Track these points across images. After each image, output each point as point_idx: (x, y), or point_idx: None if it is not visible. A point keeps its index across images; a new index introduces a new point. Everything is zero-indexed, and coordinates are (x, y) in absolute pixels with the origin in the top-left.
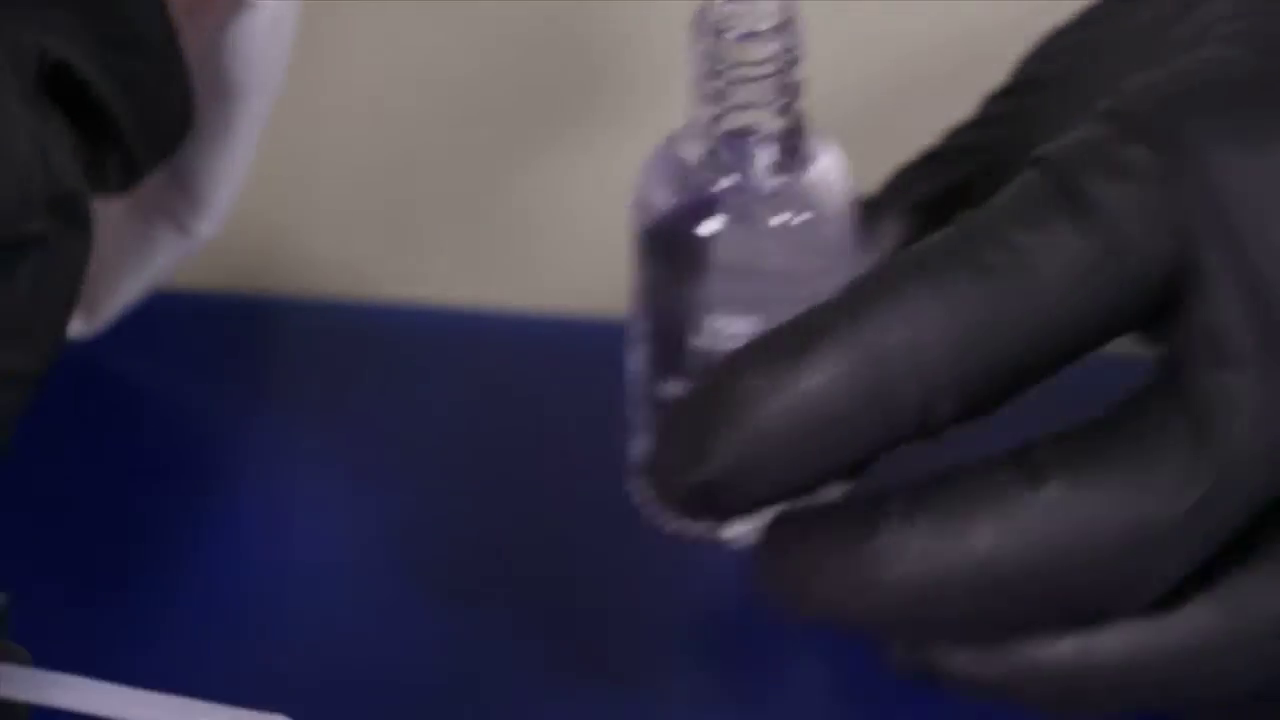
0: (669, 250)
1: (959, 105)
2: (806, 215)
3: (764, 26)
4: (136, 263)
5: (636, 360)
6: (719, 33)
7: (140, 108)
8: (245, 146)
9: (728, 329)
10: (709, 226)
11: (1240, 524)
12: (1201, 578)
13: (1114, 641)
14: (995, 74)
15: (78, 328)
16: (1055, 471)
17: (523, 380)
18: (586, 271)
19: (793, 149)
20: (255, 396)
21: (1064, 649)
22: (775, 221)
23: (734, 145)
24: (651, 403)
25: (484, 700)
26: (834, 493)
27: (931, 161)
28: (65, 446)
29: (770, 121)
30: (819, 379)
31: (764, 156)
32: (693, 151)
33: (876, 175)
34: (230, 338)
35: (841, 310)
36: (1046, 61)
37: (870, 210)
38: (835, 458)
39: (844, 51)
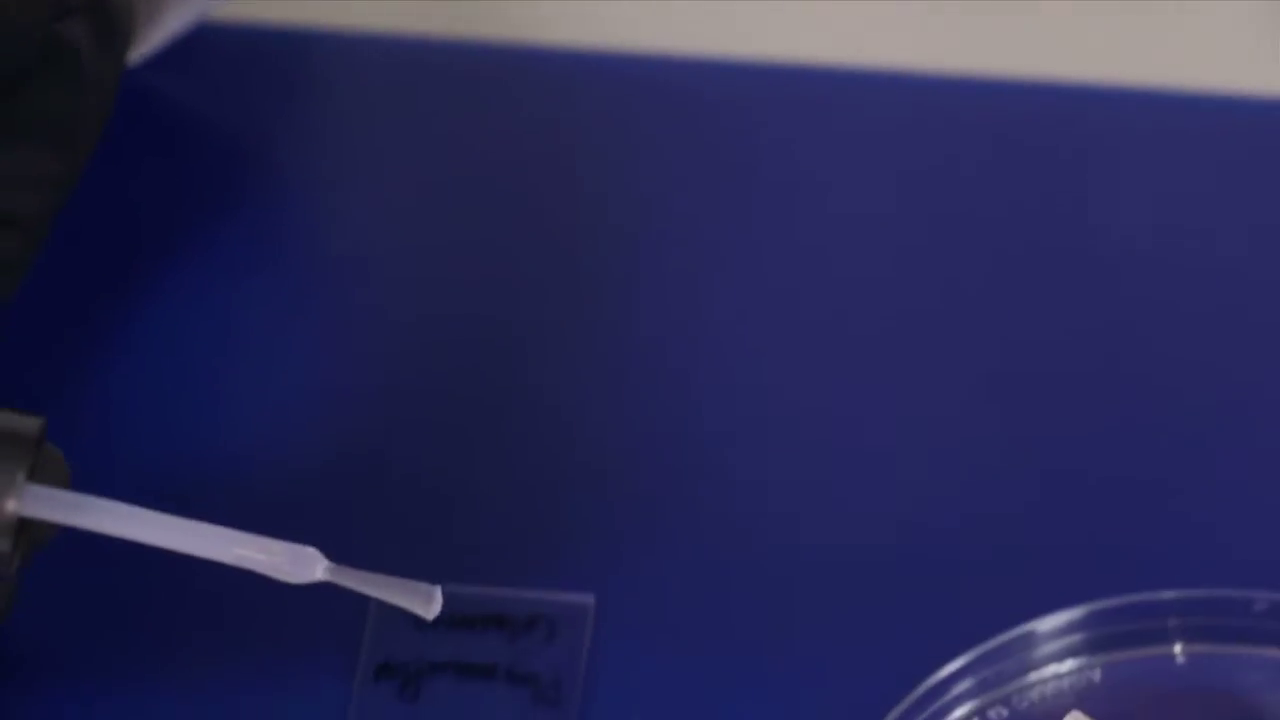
0: None
1: None
2: None
3: None
4: None
5: None
6: None
7: None
8: None
9: None
10: None
11: None
12: None
13: None
14: None
15: None
16: None
17: (563, 116)
18: (617, 10)
19: None
20: (298, 128)
21: None
22: None
23: None
24: None
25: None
26: None
27: None
28: (107, 170)
29: None
30: None
31: None
32: None
33: None
34: (273, 69)
35: None
36: None
37: None
38: None
39: None
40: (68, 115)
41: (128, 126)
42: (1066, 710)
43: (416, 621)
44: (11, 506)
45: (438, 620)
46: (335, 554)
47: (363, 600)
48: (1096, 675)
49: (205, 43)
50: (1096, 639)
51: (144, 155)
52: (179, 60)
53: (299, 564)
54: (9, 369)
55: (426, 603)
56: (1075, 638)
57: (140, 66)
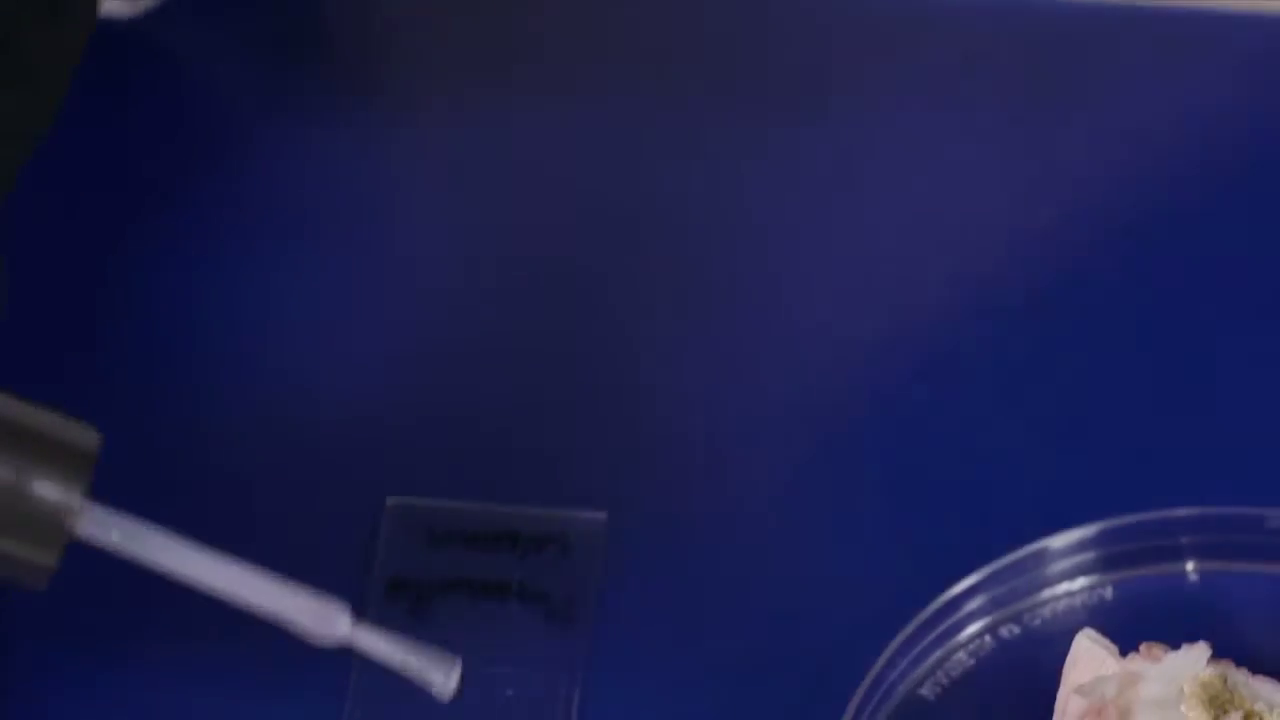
0: None
1: None
2: None
3: None
4: None
5: None
6: None
7: None
8: None
9: None
10: None
11: None
12: None
13: None
14: None
15: (121, 7)
16: None
17: (591, 45)
18: None
19: None
20: (299, 77)
21: None
22: None
23: None
24: None
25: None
26: None
27: None
28: (108, 121)
29: None
30: None
31: None
32: None
33: None
34: (271, 19)
35: None
36: None
37: None
38: None
39: None
40: (39, 63)
41: (134, 79)
42: (1078, 628)
43: (429, 538)
44: (71, 526)
45: (450, 537)
46: (345, 472)
47: (374, 516)
48: (1108, 593)
49: None
50: (1108, 557)
51: (146, 108)
52: (176, 10)
53: (322, 623)
54: (19, 337)
55: (445, 677)
56: (1087, 555)
57: (144, 18)
